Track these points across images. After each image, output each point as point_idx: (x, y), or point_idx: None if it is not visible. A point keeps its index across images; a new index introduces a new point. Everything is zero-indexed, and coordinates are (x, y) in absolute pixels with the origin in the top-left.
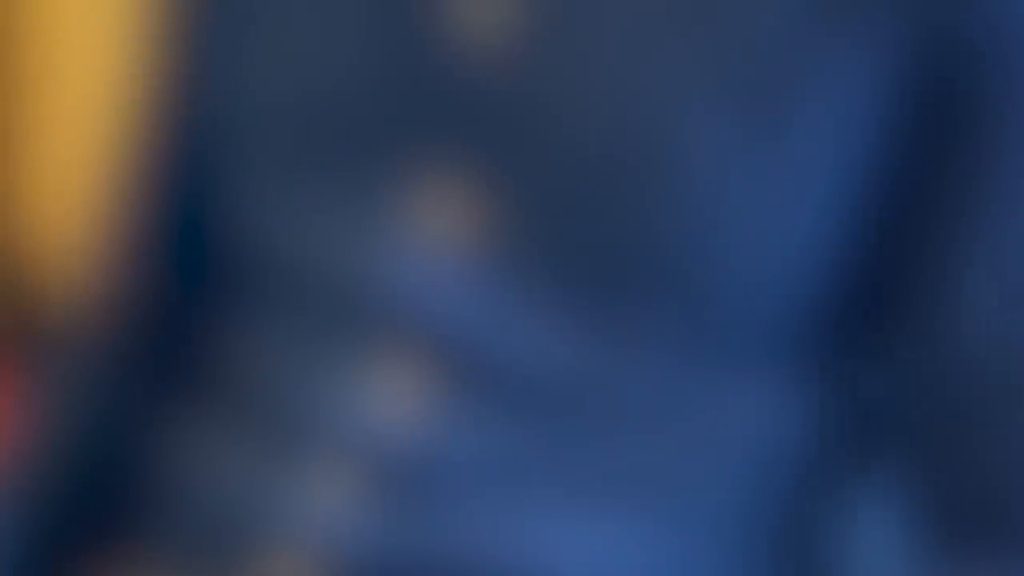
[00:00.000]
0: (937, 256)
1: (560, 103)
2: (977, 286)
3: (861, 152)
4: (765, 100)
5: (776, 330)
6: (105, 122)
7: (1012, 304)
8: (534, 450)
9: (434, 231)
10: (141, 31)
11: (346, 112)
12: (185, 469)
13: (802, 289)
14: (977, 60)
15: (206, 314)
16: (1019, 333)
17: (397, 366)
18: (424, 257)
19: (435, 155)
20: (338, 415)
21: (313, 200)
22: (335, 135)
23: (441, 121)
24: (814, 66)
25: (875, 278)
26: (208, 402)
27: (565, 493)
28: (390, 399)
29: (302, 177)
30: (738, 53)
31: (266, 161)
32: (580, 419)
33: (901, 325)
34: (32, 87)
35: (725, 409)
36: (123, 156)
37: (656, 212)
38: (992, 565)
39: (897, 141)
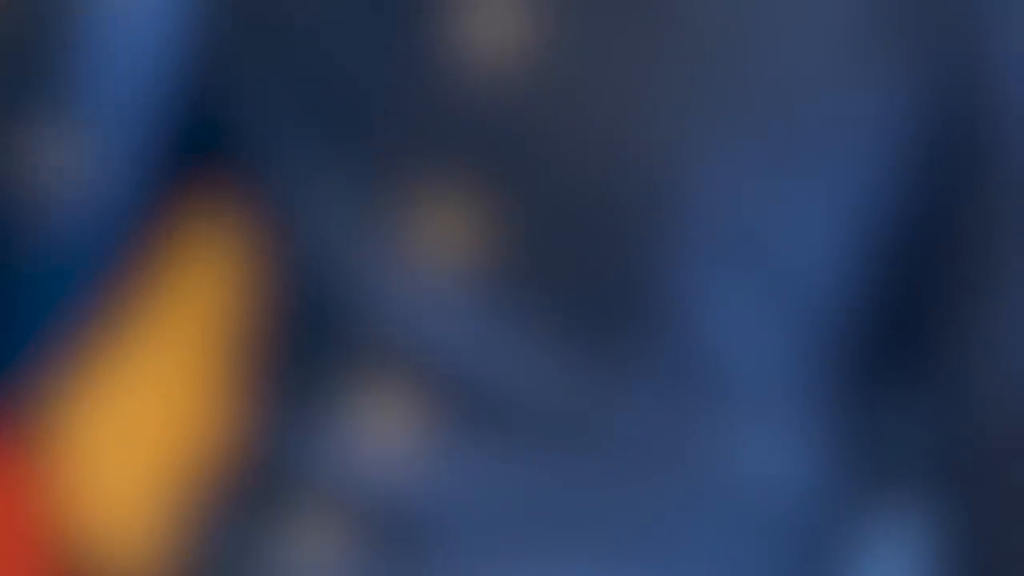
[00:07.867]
0: (969, 296)
1: (569, 128)
2: (1012, 326)
3: (883, 193)
4: (782, 140)
5: (787, 370)
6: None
7: None
8: (527, 491)
9: (431, 252)
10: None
11: (349, 122)
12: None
13: (816, 329)
14: (1001, 98)
15: None
16: None
17: (388, 396)
18: (419, 279)
19: (436, 173)
20: (326, 451)
21: (316, 205)
22: (338, 142)
23: (444, 140)
24: (835, 106)
25: (904, 318)
26: None
27: (559, 537)
28: (380, 432)
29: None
30: (759, 90)
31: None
32: (576, 458)
33: (935, 366)
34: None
35: (731, 449)
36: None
37: (661, 243)
38: None
39: (921, 182)
